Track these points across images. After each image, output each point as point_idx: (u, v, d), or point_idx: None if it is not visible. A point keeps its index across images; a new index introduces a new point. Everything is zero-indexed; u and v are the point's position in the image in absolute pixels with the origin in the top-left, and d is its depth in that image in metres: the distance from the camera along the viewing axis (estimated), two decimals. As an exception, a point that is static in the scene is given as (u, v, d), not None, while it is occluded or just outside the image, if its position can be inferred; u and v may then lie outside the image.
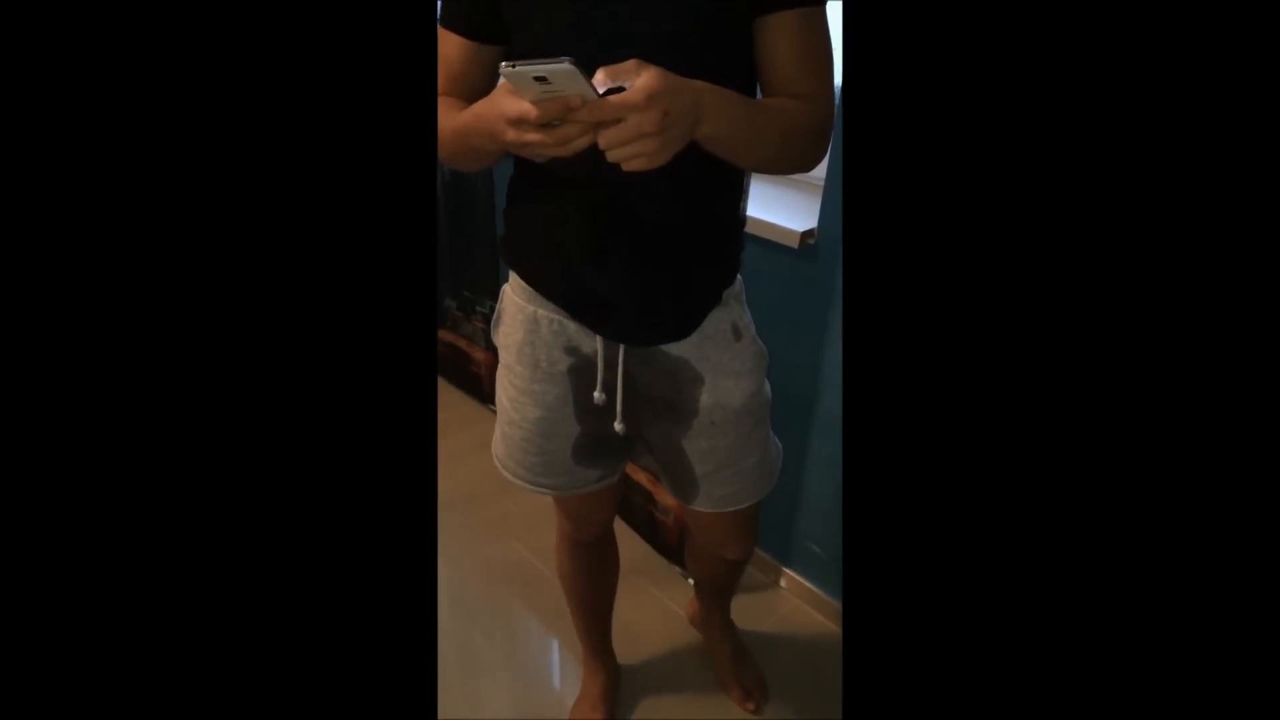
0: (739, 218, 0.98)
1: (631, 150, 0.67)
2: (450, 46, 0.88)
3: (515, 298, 0.99)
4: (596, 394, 0.98)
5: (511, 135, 0.68)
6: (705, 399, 0.97)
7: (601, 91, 0.64)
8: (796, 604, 1.68)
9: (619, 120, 0.65)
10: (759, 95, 0.86)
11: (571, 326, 0.95)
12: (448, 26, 0.87)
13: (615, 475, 1.12)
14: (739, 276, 1.00)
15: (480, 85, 0.88)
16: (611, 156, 0.67)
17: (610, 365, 0.96)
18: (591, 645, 1.44)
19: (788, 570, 1.70)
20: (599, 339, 0.95)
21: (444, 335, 2.37)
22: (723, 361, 0.97)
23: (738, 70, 0.82)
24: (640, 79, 0.65)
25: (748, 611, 1.62)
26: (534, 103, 0.65)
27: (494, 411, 2.35)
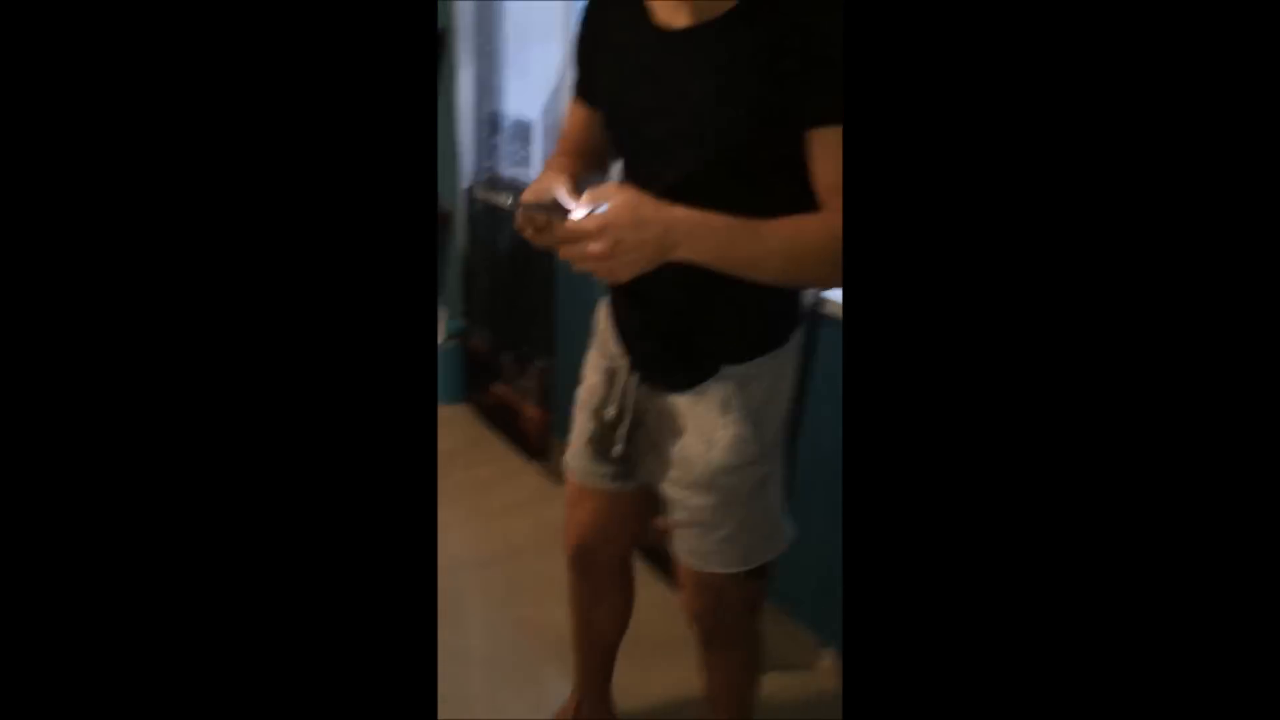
0: (762, 302, 0.98)
1: (588, 268, 0.78)
2: (570, 106, 1.06)
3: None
4: (609, 409, 1.06)
5: (528, 232, 0.84)
6: (675, 452, 1.04)
7: (582, 210, 0.78)
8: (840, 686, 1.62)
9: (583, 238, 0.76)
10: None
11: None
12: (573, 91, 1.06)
13: (616, 483, 1.15)
14: (762, 360, 1.00)
15: (582, 141, 1.05)
16: (574, 268, 0.79)
17: (627, 390, 1.06)
18: (582, 681, 1.40)
19: (831, 650, 1.65)
20: (626, 360, 1.06)
21: (498, 388, 2.40)
22: (700, 427, 1.01)
23: (791, 174, 0.86)
24: (607, 206, 0.76)
25: (787, 694, 1.57)
26: (523, 217, 0.83)
27: (540, 467, 2.36)
